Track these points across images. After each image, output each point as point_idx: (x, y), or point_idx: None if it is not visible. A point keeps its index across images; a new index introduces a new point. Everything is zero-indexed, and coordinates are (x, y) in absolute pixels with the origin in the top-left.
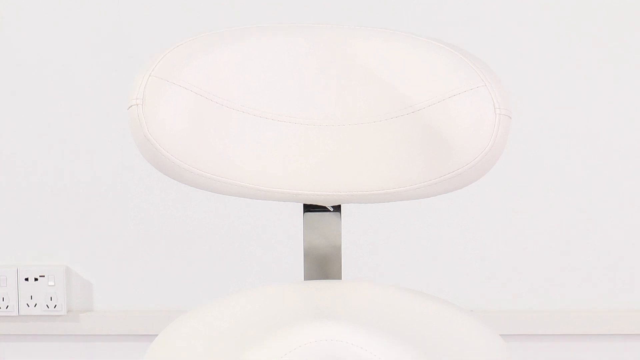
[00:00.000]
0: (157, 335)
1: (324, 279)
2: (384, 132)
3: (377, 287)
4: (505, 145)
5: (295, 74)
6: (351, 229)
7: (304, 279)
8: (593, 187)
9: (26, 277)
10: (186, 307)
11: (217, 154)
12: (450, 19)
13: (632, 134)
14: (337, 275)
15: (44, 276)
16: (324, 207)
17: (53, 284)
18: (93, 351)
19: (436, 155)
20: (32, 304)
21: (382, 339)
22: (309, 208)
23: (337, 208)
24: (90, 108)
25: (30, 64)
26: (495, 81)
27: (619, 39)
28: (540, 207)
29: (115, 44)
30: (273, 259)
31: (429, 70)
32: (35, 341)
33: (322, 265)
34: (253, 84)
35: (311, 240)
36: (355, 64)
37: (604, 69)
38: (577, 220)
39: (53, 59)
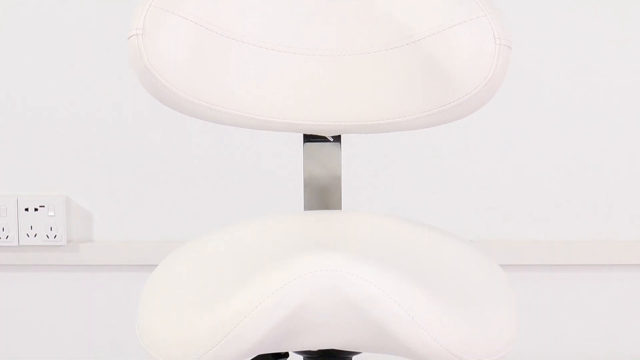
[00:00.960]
0: (157, 265)
1: (323, 209)
2: (383, 63)
3: (376, 217)
4: (505, 75)
5: (296, 4)
6: (351, 160)
7: (304, 210)
8: (593, 118)
9: (26, 207)
10: (186, 237)
11: (217, 84)
12: None
13: (633, 68)
14: (337, 206)
15: (44, 206)
16: (324, 138)
17: (53, 214)
18: (93, 281)
19: (436, 85)
20: (32, 234)
21: (381, 269)
22: (309, 138)
23: (337, 138)
24: (90, 39)
25: None
26: (496, 11)
27: None
28: (540, 138)
29: None
30: (273, 189)
31: (428, 0)
32: (35, 271)
33: (322, 195)
34: (253, 15)
35: (311, 170)
36: None
37: (606, 1)
38: (577, 151)
39: None
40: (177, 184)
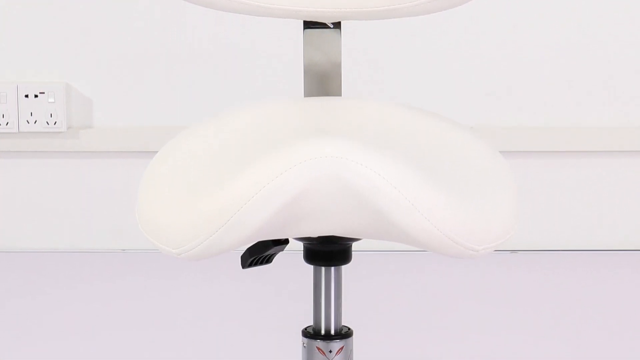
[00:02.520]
0: (157, 151)
1: (323, 95)
2: None
3: (376, 103)
4: None
5: None
6: (351, 47)
7: (304, 96)
8: (594, 1)
9: (26, 93)
10: (186, 123)
11: None
12: None
13: None
14: (336, 93)
15: (43, 93)
16: (324, 24)
17: (53, 100)
18: (93, 167)
19: None
20: (32, 121)
21: (381, 155)
22: (308, 25)
23: (337, 25)
24: None
25: None
26: None
27: None
28: (541, 23)
29: None
30: (273, 76)
31: None
32: (35, 158)
33: (322, 82)
34: None
35: (311, 57)
36: None
37: None
38: (578, 37)
39: None
40: (177, 70)
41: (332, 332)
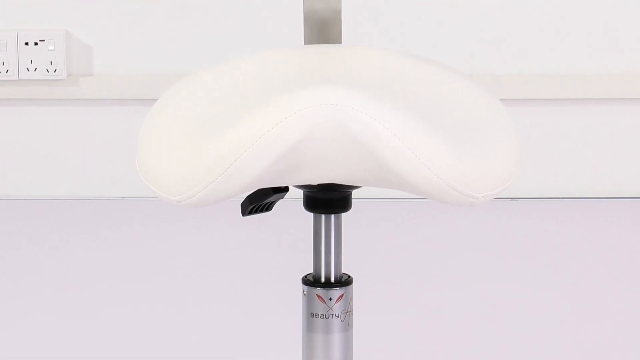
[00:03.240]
0: (156, 99)
1: (323, 43)
2: None
3: (377, 51)
4: None
5: None
6: None
7: (304, 44)
8: None
9: (26, 41)
10: (186, 71)
11: None
12: None
13: None
14: (336, 40)
15: (44, 40)
16: None
17: (53, 48)
18: (93, 115)
19: None
20: (32, 69)
21: (382, 103)
22: None
23: None
24: None
25: None
26: None
27: None
28: None
29: None
30: (273, 24)
31: None
32: (35, 105)
33: (322, 29)
34: None
35: (311, 4)
36: None
37: None
38: None
39: None
40: (177, 18)
41: (332, 279)
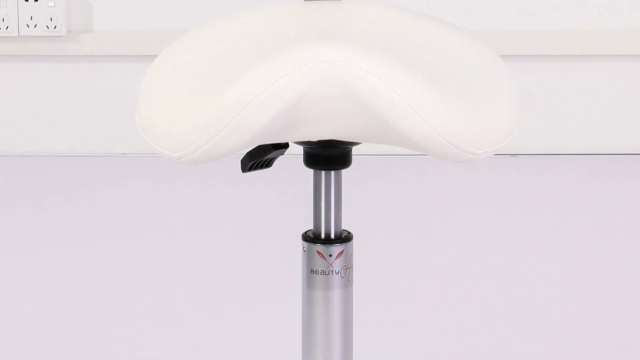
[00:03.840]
0: (156, 55)
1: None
2: None
3: (377, 7)
4: None
5: None
6: None
7: (304, 0)
8: None
9: None
10: (186, 27)
11: None
12: None
13: None
14: None
15: None
16: None
17: (53, 4)
18: (92, 71)
19: None
20: (32, 25)
21: (382, 59)
22: None
23: None
24: None
25: None
26: None
27: None
28: None
29: None
30: None
31: None
32: (35, 62)
33: None
34: None
35: None
36: None
37: None
38: None
39: None
40: None
41: (332, 236)
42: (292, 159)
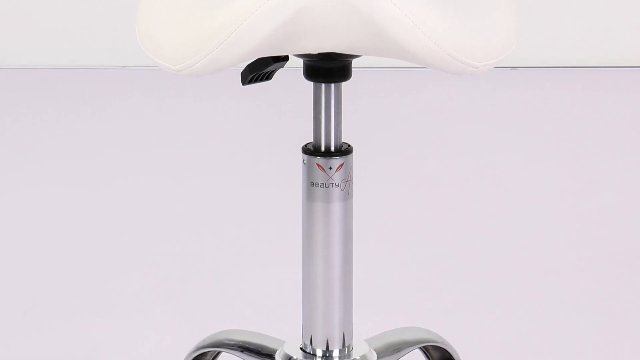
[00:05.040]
0: None
1: None
2: None
3: None
4: None
5: None
6: None
7: None
8: None
9: None
10: None
11: None
12: None
13: None
14: None
15: None
16: None
17: None
18: None
19: None
20: None
21: None
22: None
23: None
24: None
25: None
26: None
27: None
28: None
29: None
30: None
31: None
32: None
33: None
34: None
35: None
36: None
37: None
38: None
39: None
40: None
41: (332, 148)
42: (292, 72)
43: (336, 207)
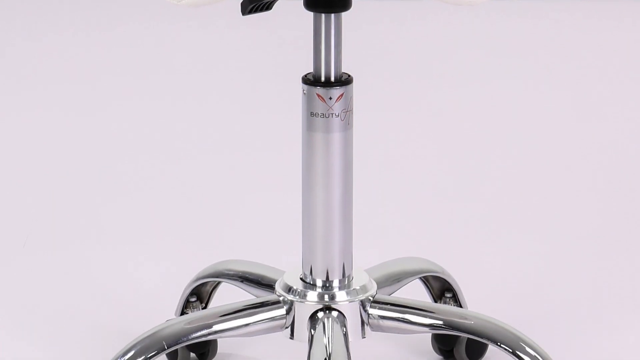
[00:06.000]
0: None
1: None
2: None
3: None
4: None
5: None
6: None
7: None
8: None
9: None
10: None
11: None
12: None
13: None
14: None
15: None
16: None
17: None
18: None
19: None
20: None
21: None
22: None
23: None
24: None
25: None
26: None
27: None
28: None
29: None
30: None
31: None
32: None
33: None
34: None
35: None
36: None
37: None
38: None
39: None
40: None
41: (332, 79)
42: (292, 2)
43: (336, 137)
